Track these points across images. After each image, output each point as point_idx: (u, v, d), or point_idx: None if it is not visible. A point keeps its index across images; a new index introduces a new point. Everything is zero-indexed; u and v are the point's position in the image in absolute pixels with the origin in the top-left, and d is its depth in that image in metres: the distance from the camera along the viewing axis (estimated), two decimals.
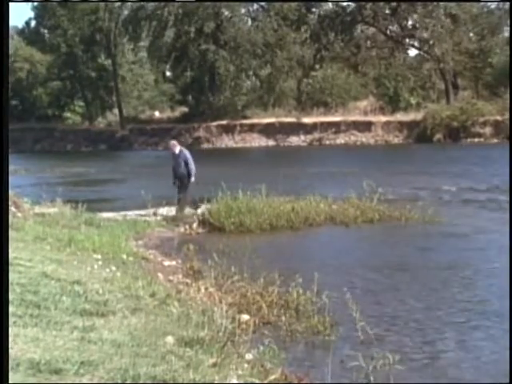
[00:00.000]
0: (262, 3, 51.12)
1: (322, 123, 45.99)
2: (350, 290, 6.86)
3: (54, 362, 3.92)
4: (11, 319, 4.57)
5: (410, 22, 49.52)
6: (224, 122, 48.19)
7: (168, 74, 56.09)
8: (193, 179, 14.58)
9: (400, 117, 45.23)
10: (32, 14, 58.72)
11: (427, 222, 13.05)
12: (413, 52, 51.99)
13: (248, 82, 52.92)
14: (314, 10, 50.16)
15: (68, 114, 58.32)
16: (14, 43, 53.57)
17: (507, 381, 5.15)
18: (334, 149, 41.23)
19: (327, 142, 45.50)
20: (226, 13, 49.24)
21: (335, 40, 49.72)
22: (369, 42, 51.29)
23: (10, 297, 5.05)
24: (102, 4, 52.80)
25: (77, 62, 55.35)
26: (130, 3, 50.97)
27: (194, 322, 5.65)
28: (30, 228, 10.08)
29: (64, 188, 16.44)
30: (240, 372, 4.53)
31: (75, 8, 54.05)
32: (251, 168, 27.54)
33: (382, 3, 48.16)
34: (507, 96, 40.29)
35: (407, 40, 50.75)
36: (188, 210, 14.41)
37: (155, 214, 14.10)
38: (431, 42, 47.68)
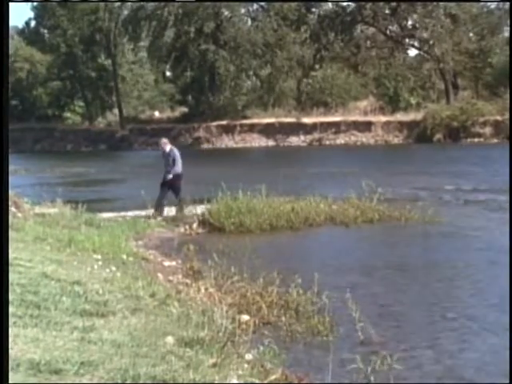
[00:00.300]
0: (262, 3, 51.19)
1: (322, 123, 46.00)
2: (350, 290, 6.87)
3: (54, 363, 3.92)
4: (11, 319, 4.57)
5: (409, 22, 49.61)
6: (224, 122, 48.20)
7: (168, 74, 56.12)
8: (170, 176, 14.44)
9: (400, 117, 45.25)
10: (32, 14, 58.98)
11: (427, 222, 13.02)
12: (413, 52, 52.14)
13: (248, 82, 52.95)
14: (313, 9, 50.22)
15: (68, 114, 58.37)
16: (14, 43, 53.63)
17: (507, 381, 5.15)
18: (333, 149, 41.23)
19: (327, 142, 45.52)
20: (226, 13, 49.27)
21: (335, 40, 49.75)
22: (369, 42, 51.32)
23: (10, 297, 5.05)
24: (102, 4, 52.85)
25: (77, 61, 55.38)
26: (129, 3, 51.01)
27: (194, 322, 5.64)
28: (30, 228, 10.07)
29: (64, 188, 16.46)
30: (240, 372, 4.53)
31: (75, 8, 54.11)
32: (251, 168, 27.51)
33: (381, 3, 48.20)
34: (507, 96, 40.31)
35: (407, 40, 50.80)
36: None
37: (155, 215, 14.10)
38: (431, 42, 47.71)
